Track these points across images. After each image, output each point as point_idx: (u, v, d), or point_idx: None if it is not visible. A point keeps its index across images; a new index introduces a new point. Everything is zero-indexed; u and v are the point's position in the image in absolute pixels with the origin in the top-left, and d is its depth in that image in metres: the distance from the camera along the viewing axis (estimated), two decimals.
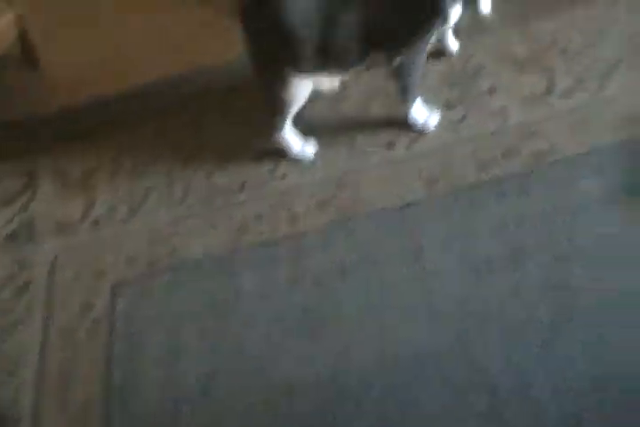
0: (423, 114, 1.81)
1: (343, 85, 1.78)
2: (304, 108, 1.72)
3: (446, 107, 1.86)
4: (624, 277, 1.51)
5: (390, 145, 1.81)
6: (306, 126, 1.81)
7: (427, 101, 1.82)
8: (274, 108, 1.70)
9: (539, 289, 1.52)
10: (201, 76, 2.02)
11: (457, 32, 1.94)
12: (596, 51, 1.92)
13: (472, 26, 1.96)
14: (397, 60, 1.67)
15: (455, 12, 1.63)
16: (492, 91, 1.88)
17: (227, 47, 1.87)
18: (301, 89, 1.65)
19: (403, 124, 1.83)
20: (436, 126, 1.82)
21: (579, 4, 2.01)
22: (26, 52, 2.07)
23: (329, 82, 1.70)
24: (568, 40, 1.95)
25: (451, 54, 1.96)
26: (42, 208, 1.83)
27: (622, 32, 1.94)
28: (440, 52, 1.93)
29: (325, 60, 1.59)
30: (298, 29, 1.52)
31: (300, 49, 1.55)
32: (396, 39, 1.63)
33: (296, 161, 1.81)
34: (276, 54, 1.57)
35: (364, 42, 1.58)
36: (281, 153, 1.80)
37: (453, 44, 1.96)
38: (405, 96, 1.77)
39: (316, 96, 1.73)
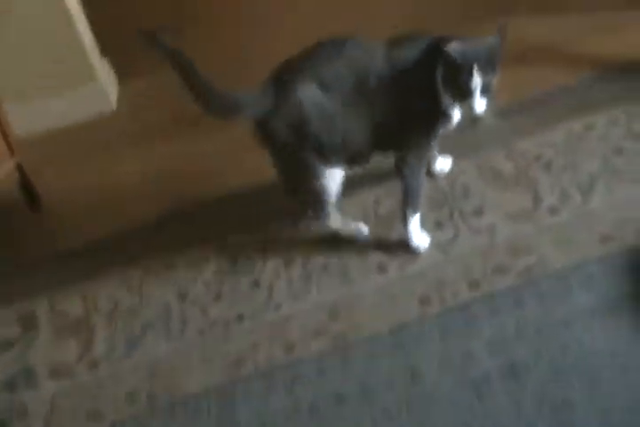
0: (418, 233, 1.84)
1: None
2: None
3: (436, 227, 1.89)
4: (622, 392, 1.48)
5: (382, 268, 1.83)
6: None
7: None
8: (311, 203, 1.84)
9: (538, 406, 1.48)
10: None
11: (442, 150, 2.00)
12: (578, 165, 1.97)
13: (458, 143, 2.03)
14: (405, 159, 1.79)
15: (456, 114, 1.75)
16: (479, 209, 1.92)
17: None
18: (332, 177, 1.79)
19: (394, 245, 1.86)
20: (426, 247, 1.85)
21: (559, 125, 2.10)
22: (27, 196, 2.15)
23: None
24: (550, 157, 2.01)
25: (440, 173, 2.02)
26: (40, 352, 1.83)
27: (601, 147, 2.01)
28: (428, 172, 1.98)
29: (344, 158, 1.77)
30: (318, 137, 1.71)
31: (321, 152, 1.73)
32: (402, 142, 1.78)
33: (289, 291, 1.83)
34: (301, 156, 1.75)
35: (374, 146, 1.77)
36: None
37: (443, 164, 2.02)
38: (408, 205, 1.82)
39: None
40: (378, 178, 2.04)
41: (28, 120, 2.33)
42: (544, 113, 2.15)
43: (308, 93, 1.69)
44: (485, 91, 1.65)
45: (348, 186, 1.84)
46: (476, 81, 1.62)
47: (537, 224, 1.86)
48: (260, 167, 2.15)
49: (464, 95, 1.65)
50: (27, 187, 2.14)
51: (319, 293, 1.82)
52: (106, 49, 2.56)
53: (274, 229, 2.00)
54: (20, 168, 2.08)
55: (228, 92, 1.72)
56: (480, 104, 1.65)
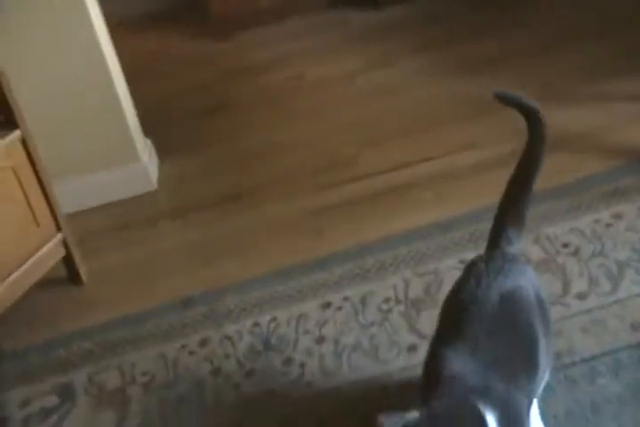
0: None
1: None
2: None
3: None
4: None
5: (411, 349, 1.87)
6: None
7: None
8: None
9: None
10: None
11: None
12: (606, 253, 2.02)
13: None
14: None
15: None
16: None
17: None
18: None
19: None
20: None
21: (588, 212, 2.15)
22: (71, 270, 2.23)
23: None
24: (579, 243, 2.06)
25: None
26: (76, 422, 1.86)
27: (629, 236, 2.05)
28: None
29: None
30: None
31: None
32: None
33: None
34: None
35: None
36: None
37: None
38: None
39: None
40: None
41: (73, 197, 2.43)
42: (573, 200, 2.20)
43: None
44: None
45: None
46: None
47: (566, 310, 1.89)
48: (291, 248, 2.25)
49: None
50: (70, 261, 2.21)
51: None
52: (148, 129, 2.68)
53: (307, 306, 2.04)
54: (65, 243, 2.16)
55: None
56: None
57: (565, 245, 2.07)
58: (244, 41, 3.34)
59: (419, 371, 1.44)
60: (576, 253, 2.04)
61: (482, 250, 2.08)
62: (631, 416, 1.62)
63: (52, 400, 1.92)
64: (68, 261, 2.20)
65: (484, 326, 1.38)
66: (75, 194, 2.45)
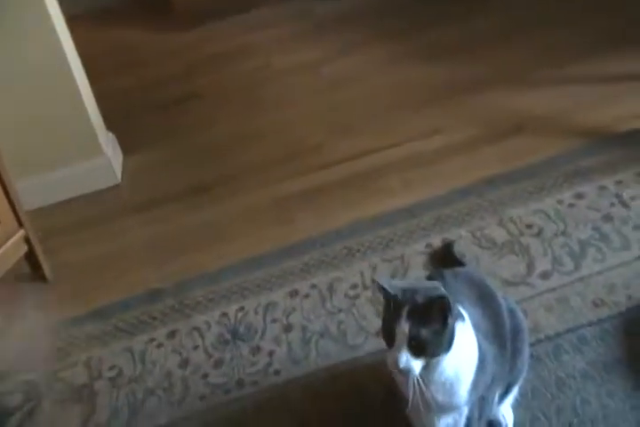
0: None
1: None
2: None
3: None
4: None
5: None
6: None
7: None
8: None
9: None
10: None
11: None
12: (569, 233, 2.03)
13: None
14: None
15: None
16: None
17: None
18: None
19: None
20: None
21: (550, 193, 2.17)
22: (34, 266, 2.21)
23: None
24: (542, 224, 2.08)
25: None
26: (43, 419, 1.84)
27: (591, 215, 2.08)
28: None
29: None
30: None
31: None
32: None
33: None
34: None
35: None
36: None
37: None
38: None
39: None
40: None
41: (36, 193, 2.41)
42: (537, 182, 2.22)
43: None
44: (418, 347, 1.30)
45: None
46: (403, 328, 1.30)
47: (531, 290, 1.90)
48: (258, 238, 2.24)
49: (386, 341, 1.34)
50: (33, 258, 2.19)
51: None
52: (113, 123, 2.66)
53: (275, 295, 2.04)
54: (27, 240, 2.13)
55: None
56: (404, 359, 1.30)
57: (529, 227, 2.08)
58: (209, 32, 3.32)
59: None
60: (539, 233, 2.06)
61: (447, 234, 2.11)
62: (595, 391, 1.64)
63: (17, 398, 1.90)
64: (30, 257, 2.17)
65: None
66: (37, 190, 2.43)
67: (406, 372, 1.31)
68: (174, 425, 1.79)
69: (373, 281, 1.34)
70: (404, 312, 1.30)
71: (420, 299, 1.30)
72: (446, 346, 1.32)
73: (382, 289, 1.34)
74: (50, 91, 2.38)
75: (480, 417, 1.46)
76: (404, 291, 1.33)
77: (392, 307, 1.32)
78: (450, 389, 1.37)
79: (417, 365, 1.31)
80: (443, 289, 1.35)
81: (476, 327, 1.41)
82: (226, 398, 1.82)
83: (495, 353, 1.44)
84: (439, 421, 1.43)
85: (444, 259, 2.01)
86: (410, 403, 1.36)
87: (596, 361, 1.69)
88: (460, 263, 1.91)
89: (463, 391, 1.38)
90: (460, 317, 1.37)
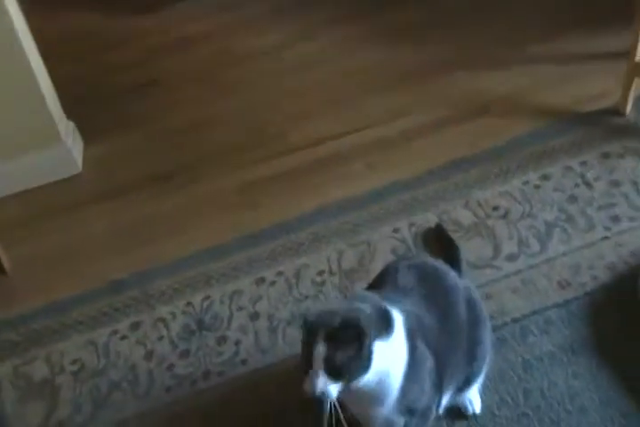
0: None
1: None
2: None
3: None
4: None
5: None
6: None
7: None
8: None
9: None
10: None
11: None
12: (535, 214, 2.03)
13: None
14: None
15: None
16: None
17: None
18: None
19: None
20: None
21: (516, 175, 2.16)
22: None
23: None
24: (508, 206, 2.07)
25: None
26: (3, 416, 1.81)
27: (556, 196, 2.07)
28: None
29: None
30: None
31: None
32: None
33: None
34: None
35: None
36: None
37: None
38: None
39: None
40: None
41: None
42: (502, 163, 2.21)
43: None
44: (335, 372, 1.28)
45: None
46: (319, 353, 1.28)
47: (497, 272, 1.89)
48: (223, 226, 2.21)
49: (304, 366, 1.31)
50: None
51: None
52: (72, 110, 2.60)
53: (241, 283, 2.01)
54: None
55: None
56: (321, 384, 1.28)
57: (495, 209, 2.07)
58: (168, 16, 3.24)
59: None
60: (505, 215, 2.05)
61: (415, 218, 2.09)
62: (562, 372, 1.65)
63: None
64: None
65: None
66: None
67: (323, 396, 1.29)
68: (140, 418, 1.76)
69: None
70: (320, 336, 1.29)
71: (335, 323, 1.29)
72: (364, 368, 1.31)
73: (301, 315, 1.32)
74: (4, 78, 2.31)
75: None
76: (321, 315, 1.32)
77: (308, 331, 1.31)
78: (375, 401, 1.37)
79: (334, 388, 1.29)
80: (364, 311, 1.33)
81: (419, 326, 1.40)
82: (192, 389, 1.80)
83: (448, 352, 1.44)
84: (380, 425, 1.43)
85: (439, 238, 2.00)
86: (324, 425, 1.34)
87: (562, 342, 1.70)
88: (451, 242, 1.92)
89: (390, 401, 1.37)
90: (385, 331, 1.34)
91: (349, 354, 1.28)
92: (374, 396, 1.37)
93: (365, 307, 1.35)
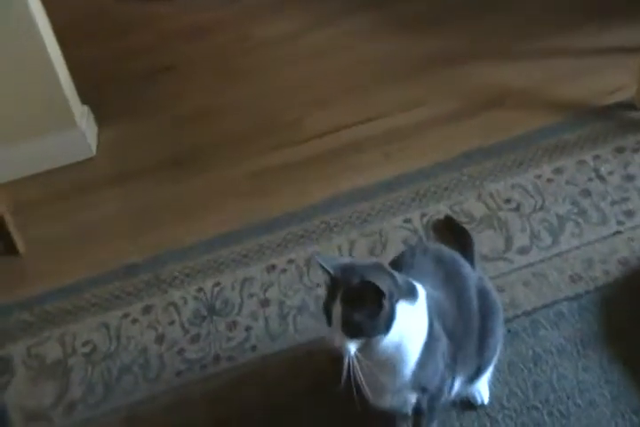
0: None
1: None
2: None
3: None
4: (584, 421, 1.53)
5: None
6: None
7: None
8: None
9: None
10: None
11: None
12: (548, 207, 2.03)
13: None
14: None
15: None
16: None
17: None
18: None
19: None
20: None
21: (529, 168, 2.16)
22: (5, 241, 2.17)
23: None
24: (520, 199, 2.07)
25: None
26: (16, 395, 1.83)
27: (569, 190, 2.07)
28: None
29: None
30: None
31: None
32: None
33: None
34: None
35: None
36: None
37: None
38: None
39: None
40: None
41: (8, 166, 2.36)
42: (516, 156, 2.21)
43: None
44: (351, 329, 1.30)
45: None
46: (337, 310, 1.30)
47: (509, 265, 1.90)
48: (234, 213, 2.21)
49: (326, 320, 1.34)
50: (4, 232, 2.15)
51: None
52: (87, 94, 2.60)
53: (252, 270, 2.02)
54: None
55: None
56: (338, 340, 1.31)
57: (508, 201, 2.08)
58: (183, 3, 3.24)
59: None
60: (518, 208, 2.05)
61: (426, 209, 2.10)
62: (572, 366, 1.66)
63: None
64: (2, 231, 2.13)
65: None
66: (9, 162, 2.37)
67: (342, 350, 1.31)
68: (150, 401, 1.77)
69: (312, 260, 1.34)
70: (339, 294, 1.30)
71: (355, 281, 1.29)
72: (383, 328, 1.31)
73: (322, 268, 1.33)
74: (21, 60, 2.31)
75: (432, 409, 1.46)
76: (344, 270, 1.33)
77: (331, 286, 1.32)
78: (392, 368, 1.37)
79: (352, 345, 1.30)
80: (386, 268, 1.35)
81: (436, 307, 1.41)
82: (202, 373, 1.81)
83: (462, 337, 1.45)
84: (392, 398, 1.43)
85: (451, 229, 2.01)
86: (342, 381, 1.34)
87: (573, 336, 1.70)
88: (465, 232, 1.92)
89: (407, 371, 1.37)
90: (410, 296, 1.36)
91: (367, 312, 1.29)
92: (392, 363, 1.36)
93: (393, 271, 1.36)
